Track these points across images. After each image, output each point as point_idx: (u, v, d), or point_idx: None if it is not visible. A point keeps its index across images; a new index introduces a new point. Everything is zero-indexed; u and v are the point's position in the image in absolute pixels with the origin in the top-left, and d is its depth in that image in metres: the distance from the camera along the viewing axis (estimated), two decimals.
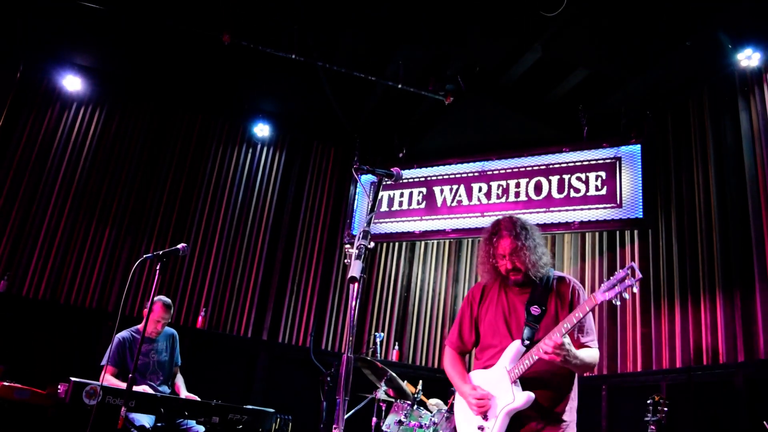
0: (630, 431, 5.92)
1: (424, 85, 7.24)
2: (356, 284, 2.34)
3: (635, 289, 2.76)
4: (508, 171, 7.64)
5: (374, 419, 5.43)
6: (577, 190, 7.09)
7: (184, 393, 5.42)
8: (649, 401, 4.87)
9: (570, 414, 2.99)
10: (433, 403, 5.48)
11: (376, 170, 2.72)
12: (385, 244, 8.48)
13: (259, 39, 6.70)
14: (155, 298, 5.29)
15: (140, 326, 5.31)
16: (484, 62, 6.88)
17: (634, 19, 5.83)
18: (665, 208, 6.48)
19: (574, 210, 7.03)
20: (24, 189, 7.15)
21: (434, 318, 8.41)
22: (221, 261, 7.79)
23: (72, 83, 7.42)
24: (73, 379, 4.13)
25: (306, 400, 7.02)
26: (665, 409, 4.82)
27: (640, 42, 6.10)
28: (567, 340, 2.81)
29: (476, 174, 7.83)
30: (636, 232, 6.73)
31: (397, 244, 8.52)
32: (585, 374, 6.69)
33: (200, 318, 7.44)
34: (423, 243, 8.60)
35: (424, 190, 8.13)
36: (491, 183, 7.69)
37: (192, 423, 4.90)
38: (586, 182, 7.06)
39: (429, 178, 8.14)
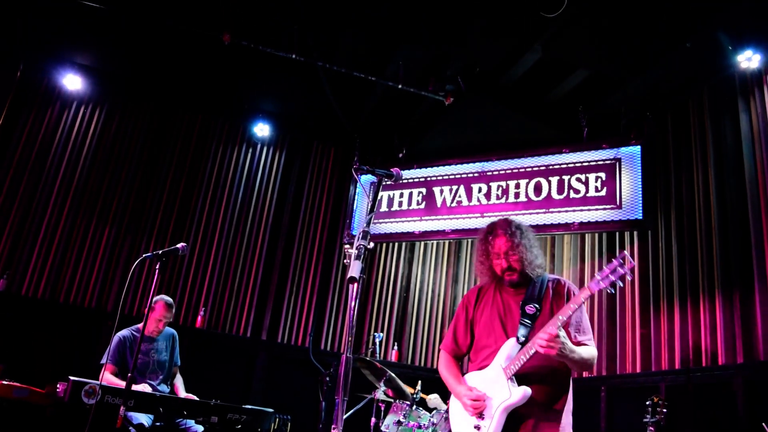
0: None
1: (424, 86, 7.24)
2: (355, 284, 2.34)
3: (629, 277, 2.78)
4: (507, 171, 7.64)
5: (373, 419, 5.43)
6: (577, 191, 7.09)
7: (182, 393, 5.42)
8: (648, 402, 4.87)
9: (567, 412, 2.98)
10: (432, 398, 5.47)
11: (376, 170, 2.72)
12: (384, 245, 8.48)
13: (259, 39, 6.70)
14: (157, 297, 5.31)
15: (140, 325, 5.31)
16: (484, 62, 6.88)
17: (634, 19, 5.83)
18: (665, 210, 6.48)
19: (574, 211, 7.03)
20: (24, 188, 7.15)
21: (433, 318, 8.41)
22: (221, 261, 7.79)
23: (72, 82, 7.42)
24: (72, 378, 4.13)
25: (305, 400, 7.02)
26: (664, 410, 4.82)
27: (640, 43, 6.10)
28: (563, 333, 2.82)
29: (476, 174, 7.83)
30: (636, 233, 6.73)
31: (396, 244, 8.52)
32: (584, 374, 6.70)
33: (199, 317, 7.44)
34: (422, 243, 8.61)
35: (423, 190, 8.13)
36: (491, 183, 7.69)
37: (191, 422, 4.90)
38: (586, 183, 7.06)
39: (429, 179, 8.14)
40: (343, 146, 8.64)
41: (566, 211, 7.08)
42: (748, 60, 5.69)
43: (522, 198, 7.43)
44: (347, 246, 8.04)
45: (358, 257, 2.37)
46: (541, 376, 2.95)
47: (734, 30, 5.63)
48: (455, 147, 8.12)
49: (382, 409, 5.51)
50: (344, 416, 2.39)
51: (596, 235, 7.19)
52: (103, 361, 4.98)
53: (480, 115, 7.55)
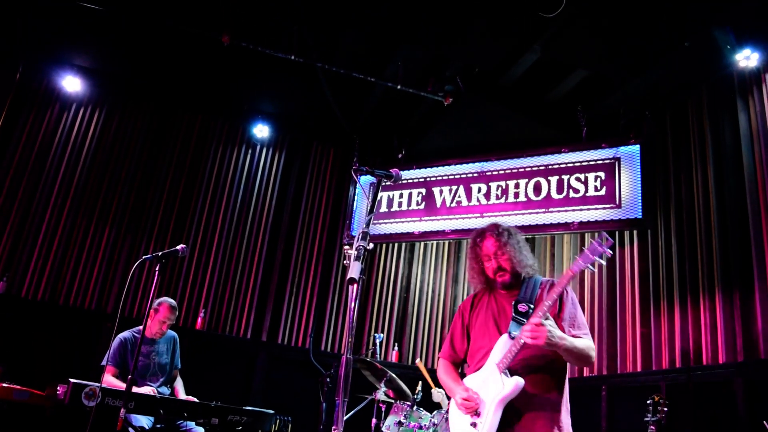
0: (630, 431, 5.92)
1: (424, 86, 7.24)
2: (355, 285, 2.34)
3: (608, 254, 2.84)
4: (507, 171, 7.64)
5: (374, 420, 5.43)
6: (577, 191, 7.10)
7: (182, 396, 5.41)
8: (648, 401, 4.87)
9: (566, 411, 2.97)
10: (436, 392, 5.46)
11: (376, 171, 2.72)
12: (384, 245, 8.48)
13: (258, 40, 6.70)
14: (161, 299, 5.31)
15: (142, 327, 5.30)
16: (484, 63, 6.88)
17: (633, 19, 5.83)
18: (664, 209, 6.48)
19: (574, 210, 7.03)
20: (23, 189, 7.15)
21: (434, 319, 8.41)
22: (221, 262, 7.78)
23: (71, 84, 7.42)
24: (72, 380, 4.12)
25: (305, 402, 7.02)
26: (665, 409, 4.82)
27: (639, 42, 6.10)
28: (549, 321, 2.83)
29: (475, 175, 7.83)
30: (635, 232, 6.73)
31: (396, 244, 8.52)
32: (585, 373, 6.70)
33: (199, 319, 7.44)
34: (422, 244, 8.61)
35: (423, 190, 8.13)
36: (490, 183, 7.69)
37: (191, 424, 4.89)
38: (586, 183, 7.07)
39: (428, 179, 8.14)
40: (343, 147, 8.64)
41: (566, 211, 7.08)
42: (746, 59, 5.70)
43: (521, 198, 7.43)
44: (347, 247, 8.04)
45: (357, 258, 2.37)
46: (534, 368, 2.94)
47: (733, 29, 5.64)
48: (455, 147, 8.12)
49: (383, 409, 5.51)
50: (345, 417, 2.39)
51: (596, 234, 7.17)
52: (104, 362, 4.97)
53: (479, 116, 7.56)
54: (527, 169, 7.51)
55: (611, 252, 2.86)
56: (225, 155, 8.13)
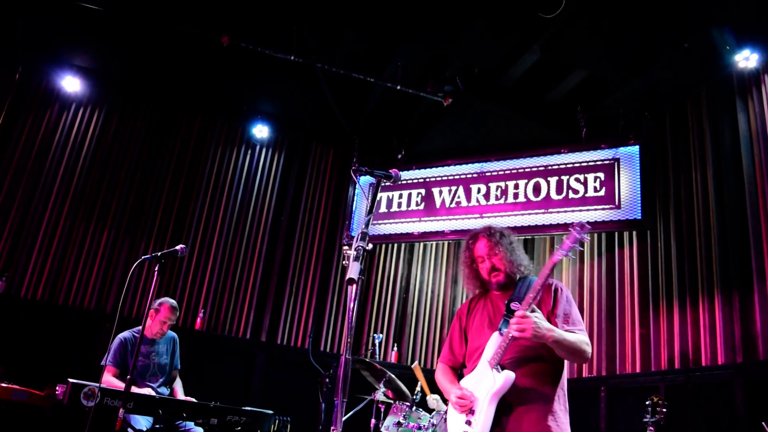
0: None
1: (423, 87, 7.24)
2: (354, 285, 2.34)
3: (586, 239, 2.91)
4: (506, 172, 7.64)
5: (373, 421, 5.42)
6: (576, 191, 7.10)
7: (181, 396, 5.41)
8: (647, 402, 4.87)
9: (563, 410, 2.96)
10: (432, 398, 5.47)
11: (375, 171, 2.73)
12: (383, 246, 8.48)
13: (258, 40, 6.70)
14: (162, 299, 5.31)
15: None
16: (484, 63, 6.88)
17: (632, 20, 5.84)
18: (664, 209, 6.48)
19: (573, 211, 7.04)
20: (22, 190, 7.14)
21: (433, 319, 8.41)
22: (220, 262, 7.78)
23: (71, 84, 7.42)
24: (71, 380, 4.12)
25: (305, 402, 7.03)
26: (664, 410, 4.82)
27: (638, 43, 6.11)
28: (536, 314, 2.84)
29: (475, 175, 7.83)
30: (634, 233, 6.73)
31: (395, 245, 8.52)
32: (584, 373, 6.70)
33: (199, 319, 7.44)
34: (422, 244, 8.61)
35: (422, 191, 8.13)
36: (490, 184, 7.69)
37: (190, 424, 4.89)
38: (585, 183, 7.07)
39: (428, 180, 8.14)
40: (342, 147, 8.64)
41: (565, 212, 7.08)
42: (746, 59, 5.71)
43: (521, 198, 7.43)
44: (346, 247, 8.04)
45: (356, 258, 2.37)
46: (526, 363, 2.95)
47: (732, 30, 5.64)
48: (454, 148, 8.12)
49: (382, 410, 5.51)
50: (344, 417, 2.39)
51: (595, 235, 7.20)
52: (104, 362, 4.98)
53: (479, 116, 7.56)
54: (527, 170, 7.51)
55: (588, 237, 2.91)
56: (224, 155, 8.13)
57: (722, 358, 5.38)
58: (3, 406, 4.41)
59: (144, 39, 6.96)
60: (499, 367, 2.91)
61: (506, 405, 2.90)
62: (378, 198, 2.88)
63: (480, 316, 3.22)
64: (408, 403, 5.10)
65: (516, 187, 7.51)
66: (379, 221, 8.21)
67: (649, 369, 6.10)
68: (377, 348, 6.74)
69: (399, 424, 4.95)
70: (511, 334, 2.84)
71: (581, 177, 7.12)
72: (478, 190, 7.74)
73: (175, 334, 5.58)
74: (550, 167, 7.36)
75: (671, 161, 6.54)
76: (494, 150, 7.82)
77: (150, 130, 7.86)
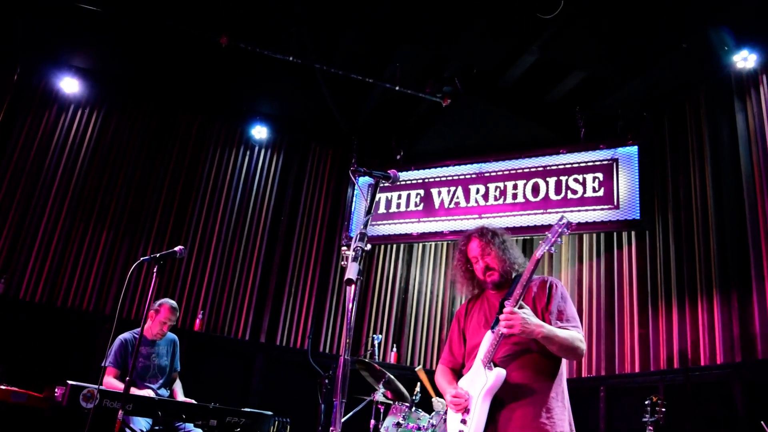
0: None
1: (422, 87, 7.24)
2: (353, 286, 2.34)
3: (567, 232, 2.92)
4: (505, 173, 7.65)
5: (372, 421, 5.43)
6: (575, 192, 7.10)
7: (180, 398, 5.41)
8: (647, 402, 4.87)
9: (558, 398, 2.95)
10: (436, 401, 5.47)
11: (373, 172, 2.73)
12: (382, 246, 8.48)
13: (257, 40, 6.70)
14: (162, 300, 5.32)
15: (144, 328, 5.30)
16: (483, 63, 6.87)
17: (631, 20, 5.84)
18: (662, 210, 6.49)
19: (572, 211, 7.03)
20: (21, 191, 7.13)
21: (432, 320, 8.41)
22: (219, 263, 7.78)
23: (69, 85, 7.41)
24: (70, 382, 4.12)
25: (304, 403, 7.02)
26: (663, 409, 4.82)
27: (637, 44, 6.11)
28: (524, 310, 2.85)
29: (474, 176, 7.84)
30: (633, 233, 6.74)
31: (394, 246, 8.52)
32: (583, 374, 6.70)
33: (198, 321, 7.43)
34: (421, 245, 8.61)
35: (421, 192, 8.13)
36: (489, 185, 7.69)
37: (190, 426, 4.89)
38: (584, 184, 7.07)
39: (426, 180, 8.15)
40: (341, 148, 8.64)
41: (564, 212, 7.08)
42: (744, 60, 5.72)
43: (520, 199, 7.44)
44: (345, 248, 8.04)
45: (355, 259, 2.37)
46: (518, 359, 2.95)
47: (730, 30, 5.65)
48: (453, 148, 8.13)
49: (381, 411, 5.51)
50: (343, 418, 2.39)
51: (594, 235, 7.20)
52: (105, 363, 4.98)
53: (477, 117, 7.56)
54: (525, 170, 7.51)
55: (568, 231, 2.93)
56: (223, 156, 8.12)
57: (721, 358, 5.39)
58: (2, 407, 4.41)
59: (143, 40, 6.96)
60: (491, 364, 2.92)
61: (500, 402, 2.90)
62: (377, 198, 2.89)
63: (477, 316, 3.23)
64: (407, 404, 5.10)
65: (515, 187, 7.52)
66: (378, 222, 8.21)
67: (648, 369, 6.10)
68: (376, 349, 6.74)
69: (398, 424, 4.96)
70: (500, 331, 2.85)
71: (580, 177, 7.12)
72: (477, 191, 7.75)
73: (175, 336, 5.58)
74: (548, 168, 7.36)
75: (670, 161, 6.54)
76: (493, 150, 7.82)
77: (149, 131, 7.85)
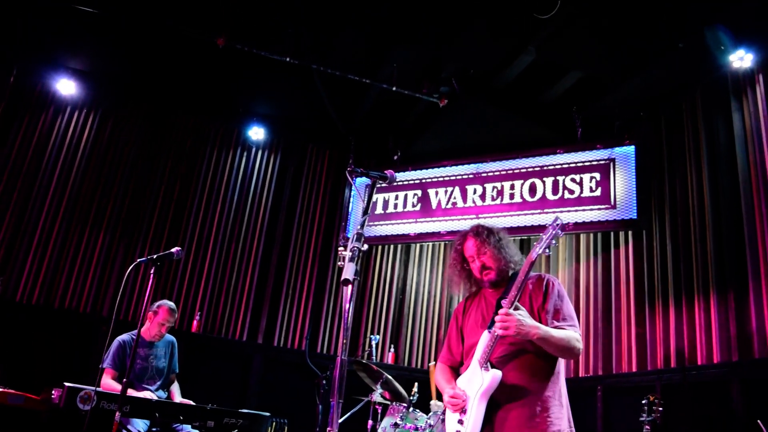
0: (625, 431, 5.93)
1: (419, 88, 7.24)
2: (350, 286, 2.34)
3: (560, 234, 2.91)
4: (502, 173, 7.65)
5: (370, 422, 5.43)
6: (572, 192, 7.11)
7: (178, 400, 5.40)
8: (644, 401, 4.88)
9: (555, 397, 2.95)
10: (434, 404, 5.48)
11: (370, 173, 2.73)
12: (380, 247, 8.48)
13: (253, 41, 6.69)
14: (161, 302, 5.33)
15: (141, 330, 5.29)
16: (483, 63, 6.85)
17: (628, 21, 5.85)
18: (659, 209, 6.50)
19: (569, 211, 7.04)
20: (18, 193, 7.12)
21: (430, 320, 8.41)
22: (216, 265, 7.77)
23: (66, 87, 7.40)
24: (67, 384, 4.11)
25: (302, 404, 7.01)
26: (660, 409, 4.83)
27: (634, 44, 6.12)
28: (520, 311, 2.85)
29: (471, 176, 7.84)
30: (630, 233, 6.75)
31: (392, 246, 8.52)
32: (581, 373, 6.71)
33: (195, 322, 7.42)
34: (418, 245, 8.62)
35: (419, 192, 8.14)
36: (486, 185, 7.70)
37: (187, 427, 4.89)
38: (581, 183, 7.08)
39: (424, 181, 8.15)
40: (338, 149, 8.63)
41: (561, 212, 7.09)
42: (740, 60, 5.73)
43: (517, 199, 7.44)
44: (342, 248, 8.04)
45: (352, 259, 2.38)
46: (514, 360, 2.95)
47: (726, 30, 5.66)
48: (450, 149, 8.13)
49: (379, 411, 5.51)
50: (341, 419, 2.39)
51: (591, 235, 7.21)
52: (104, 365, 4.98)
53: (474, 117, 7.56)
54: (522, 170, 7.52)
55: (563, 233, 2.93)
56: (220, 158, 8.12)
57: (718, 357, 5.39)
58: None
59: (139, 41, 6.95)
60: (488, 365, 2.93)
61: (497, 403, 2.91)
62: (374, 199, 2.90)
63: (474, 315, 3.23)
64: (405, 404, 5.10)
65: (512, 187, 7.52)
66: (376, 222, 8.21)
67: (645, 368, 6.11)
68: (374, 349, 6.76)
69: (396, 425, 4.96)
70: (496, 333, 2.85)
71: (577, 177, 7.13)
72: (474, 191, 7.75)
73: (173, 338, 5.59)
74: (545, 168, 7.37)
75: (666, 161, 6.55)
76: (490, 151, 7.82)
77: (146, 132, 7.85)
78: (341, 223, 8.34)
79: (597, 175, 7.01)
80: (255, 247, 8.01)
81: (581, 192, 7.05)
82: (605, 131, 7.19)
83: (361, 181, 7.42)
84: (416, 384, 5.60)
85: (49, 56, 7.37)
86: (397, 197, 8.25)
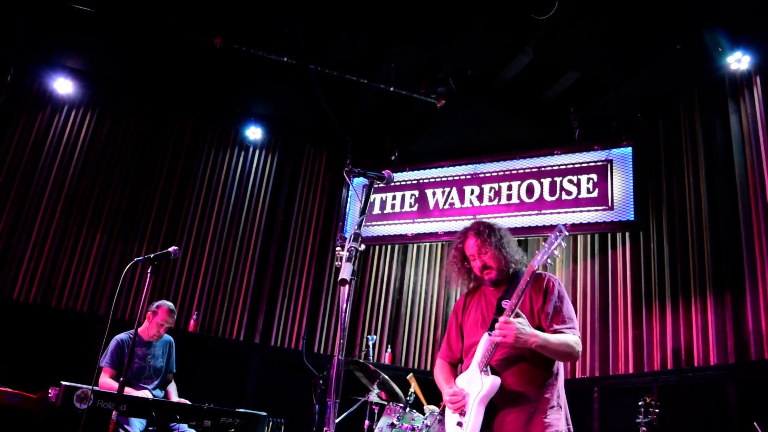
0: None
1: (416, 88, 7.24)
2: (347, 286, 2.34)
3: (563, 245, 2.86)
4: (500, 173, 7.66)
5: (367, 422, 5.43)
6: (569, 193, 7.12)
7: (174, 399, 5.41)
8: (640, 403, 4.89)
9: (553, 401, 2.95)
10: (430, 409, 5.49)
11: (368, 173, 2.74)
12: (377, 247, 8.48)
13: (251, 41, 6.69)
14: (160, 302, 5.34)
15: (140, 329, 5.30)
16: (482, 63, 6.84)
17: (626, 21, 5.85)
18: (656, 210, 6.51)
19: (566, 212, 7.05)
20: (14, 192, 7.11)
21: (426, 320, 8.42)
22: (213, 264, 7.77)
23: (63, 86, 7.39)
24: (63, 383, 4.11)
25: (298, 404, 7.01)
26: (656, 410, 4.84)
27: (632, 45, 6.13)
28: (520, 319, 2.84)
29: (468, 177, 7.85)
30: (627, 234, 6.75)
31: (389, 246, 8.53)
32: (577, 374, 6.72)
33: (192, 321, 7.42)
34: (415, 246, 8.62)
35: (416, 192, 8.14)
36: (483, 185, 7.71)
37: (184, 426, 4.89)
38: (578, 185, 7.09)
39: (421, 181, 8.15)
40: (336, 149, 8.63)
41: (558, 213, 7.10)
42: (737, 61, 5.74)
43: (514, 200, 7.45)
44: (339, 248, 8.04)
45: (349, 259, 2.38)
46: (513, 365, 2.96)
47: (724, 32, 5.67)
48: (447, 149, 8.13)
49: (376, 411, 5.51)
50: (337, 419, 2.39)
51: (588, 236, 7.22)
52: (102, 363, 4.98)
53: (472, 118, 7.56)
54: (520, 171, 7.52)
55: (565, 244, 2.90)
56: (217, 157, 8.11)
57: (714, 359, 5.40)
58: None
59: (137, 41, 6.94)
60: (488, 369, 2.94)
61: (495, 407, 2.93)
62: (371, 199, 2.89)
63: (474, 313, 3.22)
64: (401, 405, 5.10)
65: (509, 188, 7.52)
66: (373, 222, 8.21)
67: (641, 370, 6.12)
68: (371, 349, 6.76)
69: (393, 425, 4.96)
70: (495, 340, 2.86)
71: (574, 178, 7.14)
72: (472, 192, 7.76)
73: (171, 338, 5.59)
74: (543, 168, 7.37)
75: (664, 162, 6.56)
76: (488, 151, 7.83)
77: (143, 131, 7.84)
78: (338, 223, 8.34)
79: (594, 177, 7.02)
80: (252, 247, 8.01)
81: (579, 193, 7.06)
82: (603, 132, 7.20)
83: (359, 181, 7.37)
84: (412, 384, 5.59)
85: (47, 55, 7.35)
86: (394, 197, 8.25)
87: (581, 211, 6.97)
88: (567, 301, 3.08)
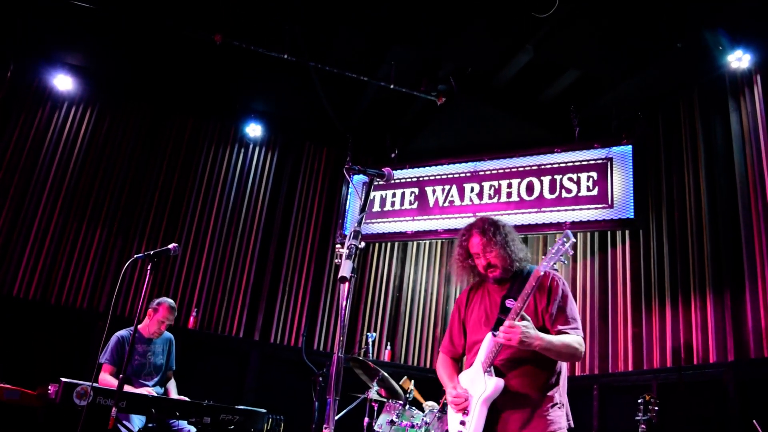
0: (621, 430, 5.95)
1: (417, 86, 7.24)
2: (347, 284, 2.35)
3: (570, 252, 2.85)
4: (500, 171, 7.66)
5: (366, 419, 5.43)
6: (569, 191, 7.11)
7: (174, 396, 5.41)
8: (640, 400, 4.90)
9: (557, 400, 2.97)
10: (429, 404, 5.49)
11: (368, 170, 2.74)
12: (377, 245, 8.48)
13: (251, 39, 6.69)
14: (161, 299, 5.35)
15: (140, 326, 5.31)
16: (482, 62, 6.83)
17: (626, 20, 5.85)
18: (656, 209, 6.51)
19: (566, 210, 7.05)
20: (14, 189, 7.10)
21: (426, 318, 8.42)
22: (213, 261, 7.77)
23: (63, 83, 7.37)
24: (63, 379, 4.11)
25: (298, 401, 7.01)
26: (656, 408, 4.85)
27: (632, 44, 6.12)
28: (525, 322, 2.84)
29: (468, 174, 7.84)
30: (627, 232, 6.75)
31: (389, 244, 8.53)
32: (577, 372, 6.72)
33: (192, 318, 7.42)
34: (415, 243, 8.61)
35: (416, 190, 8.14)
36: (483, 183, 7.70)
37: (183, 423, 4.90)
38: (578, 183, 7.09)
39: (421, 179, 8.15)
40: (336, 147, 8.63)
41: (558, 211, 7.10)
42: (738, 60, 5.73)
43: (514, 198, 7.44)
44: (339, 246, 8.04)
45: (349, 257, 2.38)
46: (517, 367, 2.96)
47: (725, 31, 5.66)
48: (447, 147, 8.13)
49: (375, 408, 5.52)
50: (337, 416, 2.40)
51: (588, 234, 7.22)
52: (102, 360, 4.99)
53: (472, 116, 7.56)
54: (520, 169, 7.52)
55: (572, 251, 2.88)
56: (217, 155, 8.11)
57: (714, 357, 5.41)
58: None
59: (137, 38, 6.93)
60: (491, 370, 2.94)
61: (499, 407, 2.93)
62: (371, 197, 2.89)
63: (477, 310, 3.21)
64: (401, 402, 5.11)
65: (509, 186, 7.52)
66: (373, 220, 8.21)
67: (641, 367, 6.12)
68: (370, 346, 6.75)
69: (392, 422, 4.97)
70: (499, 342, 2.86)
71: (574, 176, 7.13)
72: (472, 189, 7.75)
73: (171, 336, 5.61)
74: (543, 166, 7.37)
75: (664, 161, 6.56)
76: (487, 149, 7.82)
77: (142, 128, 7.83)
78: (338, 221, 8.34)
79: (594, 175, 7.01)
80: (252, 244, 8.01)
81: (578, 191, 7.06)
82: (603, 131, 7.19)
83: (359, 179, 7.35)
84: (412, 381, 5.60)
85: (47, 52, 7.34)
86: (394, 195, 8.25)
87: (581, 209, 6.97)
88: (571, 301, 3.08)
